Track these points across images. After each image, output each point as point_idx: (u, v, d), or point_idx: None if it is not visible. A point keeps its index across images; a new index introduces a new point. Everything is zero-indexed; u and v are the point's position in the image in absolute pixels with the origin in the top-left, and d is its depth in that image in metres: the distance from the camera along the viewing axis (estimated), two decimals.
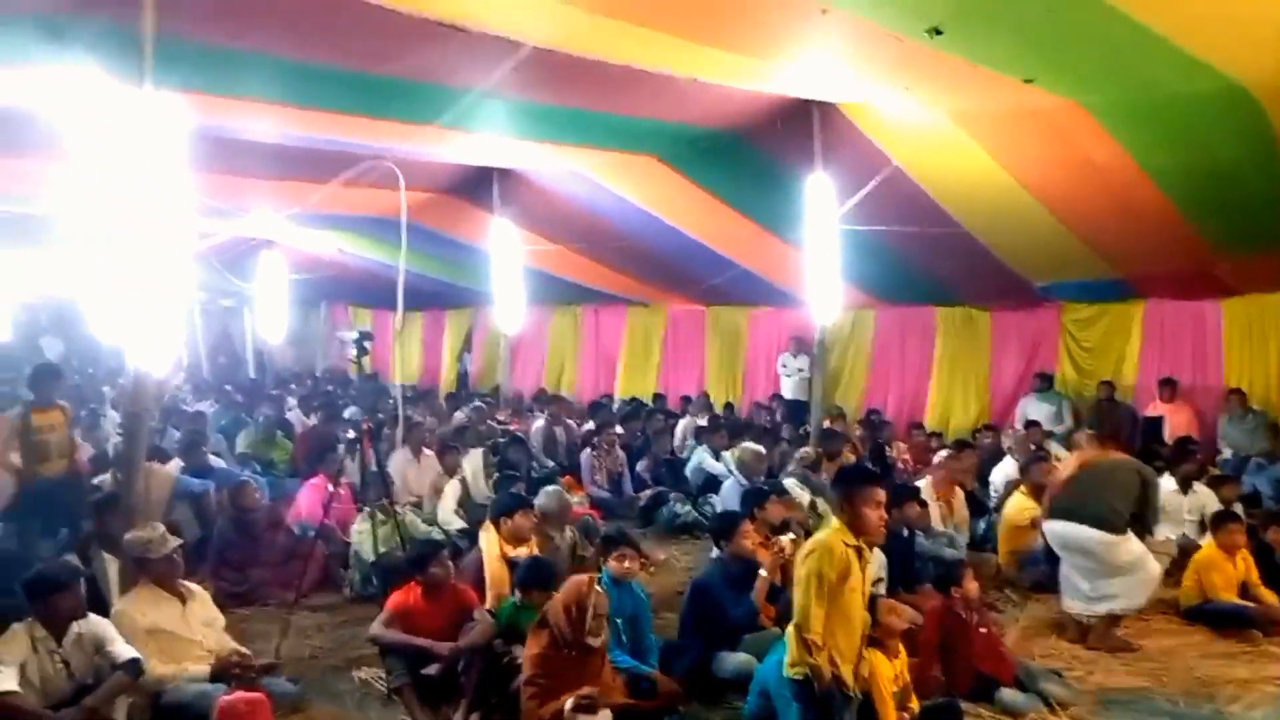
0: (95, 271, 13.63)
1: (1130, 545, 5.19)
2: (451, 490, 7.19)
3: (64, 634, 4.22)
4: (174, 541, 4.63)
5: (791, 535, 5.11)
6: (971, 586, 4.63)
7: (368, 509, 6.02)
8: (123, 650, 4.26)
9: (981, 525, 7.21)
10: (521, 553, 5.27)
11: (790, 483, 6.96)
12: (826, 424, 8.79)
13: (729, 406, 11.80)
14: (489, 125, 7.23)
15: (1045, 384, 9.90)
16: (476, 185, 9.68)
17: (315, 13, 4.84)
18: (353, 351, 5.83)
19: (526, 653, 4.10)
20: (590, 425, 10.16)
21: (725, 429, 9.17)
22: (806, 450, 7.64)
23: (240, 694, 4.06)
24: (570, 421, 10.30)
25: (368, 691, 4.84)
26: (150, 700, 4.37)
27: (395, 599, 4.75)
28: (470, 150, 8.41)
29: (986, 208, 7.62)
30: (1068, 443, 8.63)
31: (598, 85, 6.13)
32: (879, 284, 9.96)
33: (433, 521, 7.00)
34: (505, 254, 9.96)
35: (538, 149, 8.24)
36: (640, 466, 8.95)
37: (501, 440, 8.90)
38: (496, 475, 7.34)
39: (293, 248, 13.13)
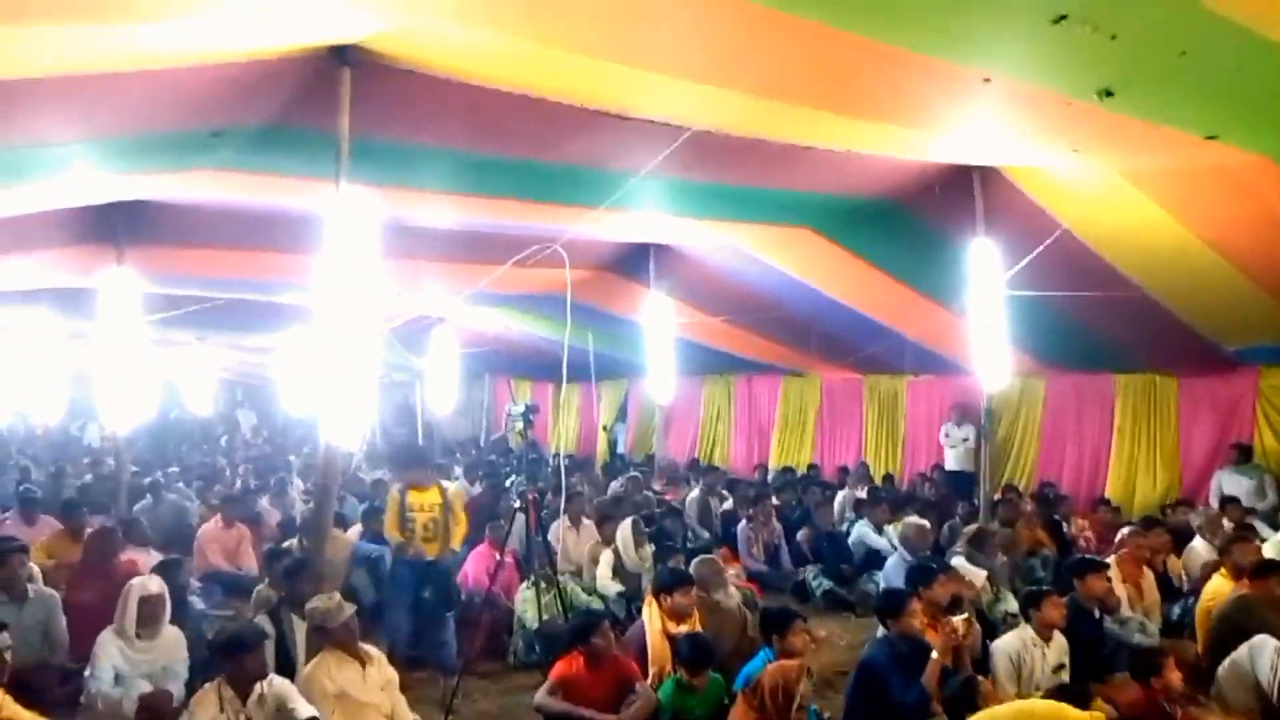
0: (287, 352, 14.92)
1: None
2: (606, 558, 7.29)
3: (249, 694, 4.49)
4: (349, 609, 4.88)
5: (964, 614, 4.87)
6: (1174, 677, 4.26)
7: (532, 577, 6.18)
8: (303, 709, 4.49)
9: (1175, 610, 6.64)
10: (684, 629, 5.26)
11: (958, 561, 6.65)
12: (997, 497, 8.39)
13: (889, 478, 11.46)
14: (648, 204, 7.47)
15: (1243, 456, 9.08)
16: (633, 261, 9.97)
17: (488, 109, 5.18)
18: (519, 424, 6.07)
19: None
20: (729, 504, 10.08)
21: (887, 502, 8.89)
22: (973, 526, 7.28)
23: None
24: (725, 492, 10.25)
25: None
26: None
27: (558, 669, 4.82)
28: (630, 228, 8.70)
29: (1168, 268, 7.18)
30: (1274, 521, 7.87)
31: (755, 162, 6.25)
32: (1049, 350, 9.51)
33: (592, 590, 7.10)
34: (659, 326, 10.16)
35: (694, 225, 8.43)
36: (800, 537, 8.75)
37: (657, 510, 8.96)
38: (650, 545, 7.37)
39: (462, 325, 13.85)
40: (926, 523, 7.35)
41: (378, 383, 16.46)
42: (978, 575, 6.52)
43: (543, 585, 6.15)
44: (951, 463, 11.06)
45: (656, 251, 9.83)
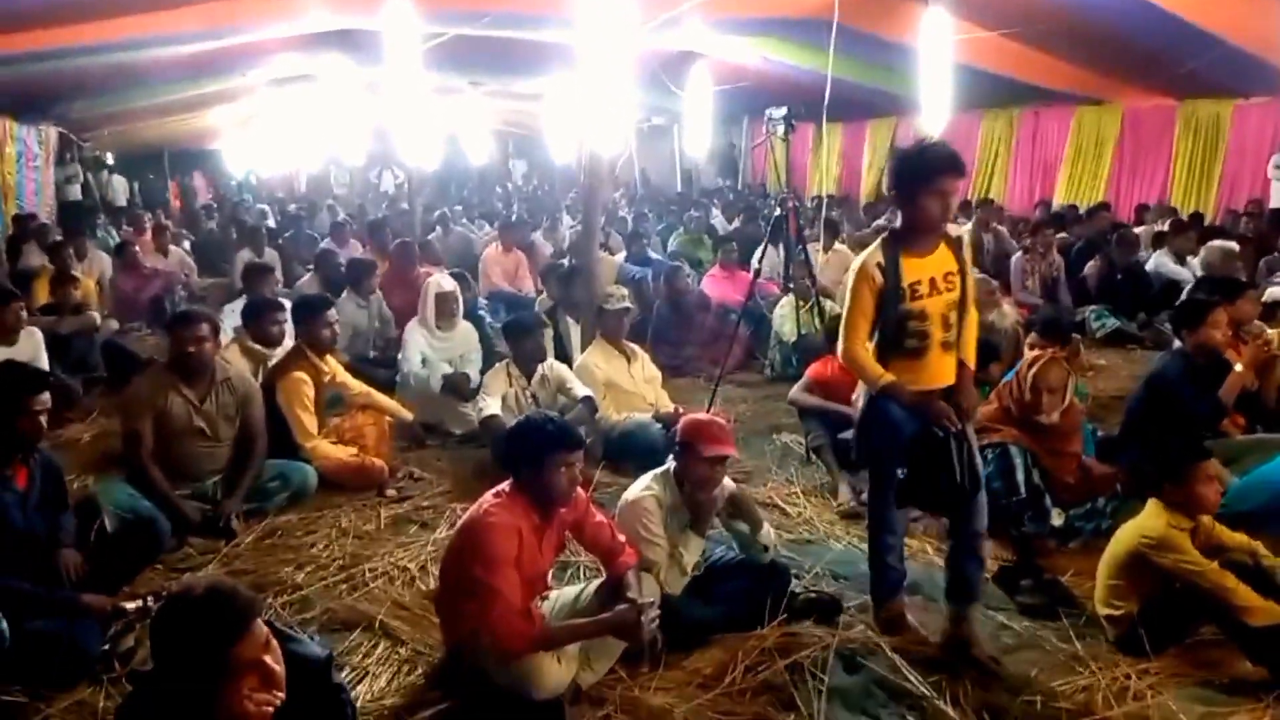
0: (554, 100, 15.25)
1: None
2: None
3: (533, 373, 5.04)
4: (625, 303, 5.24)
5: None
6: None
7: (791, 289, 6.20)
8: (580, 389, 4.98)
9: None
10: None
11: (1277, 290, 5.87)
12: None
13: (1197, 216, 10.11)
14: None
15: None
16: None
17: None
18: (780, 129, 5.87)
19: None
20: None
21: (1194, 231, 7.86)
22: None
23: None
24: (1001, 228, 9.56)
25: (787, 453, 5.15)
26: (602, 436, 5.07)
27: (814, 369, 4.92)
28: None
29: None
30: None
31: None
32: None
33: None
34: (937, 47, 9.17)
35: None
36: (1088, 270, 7.99)
37: None
38: None
39: (716, 60, 13.36)
40: (1234, 245, 6.46)
41: (637, 128, 16.59)
42: None
43: (799, 298, 6.16)
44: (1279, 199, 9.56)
45: None
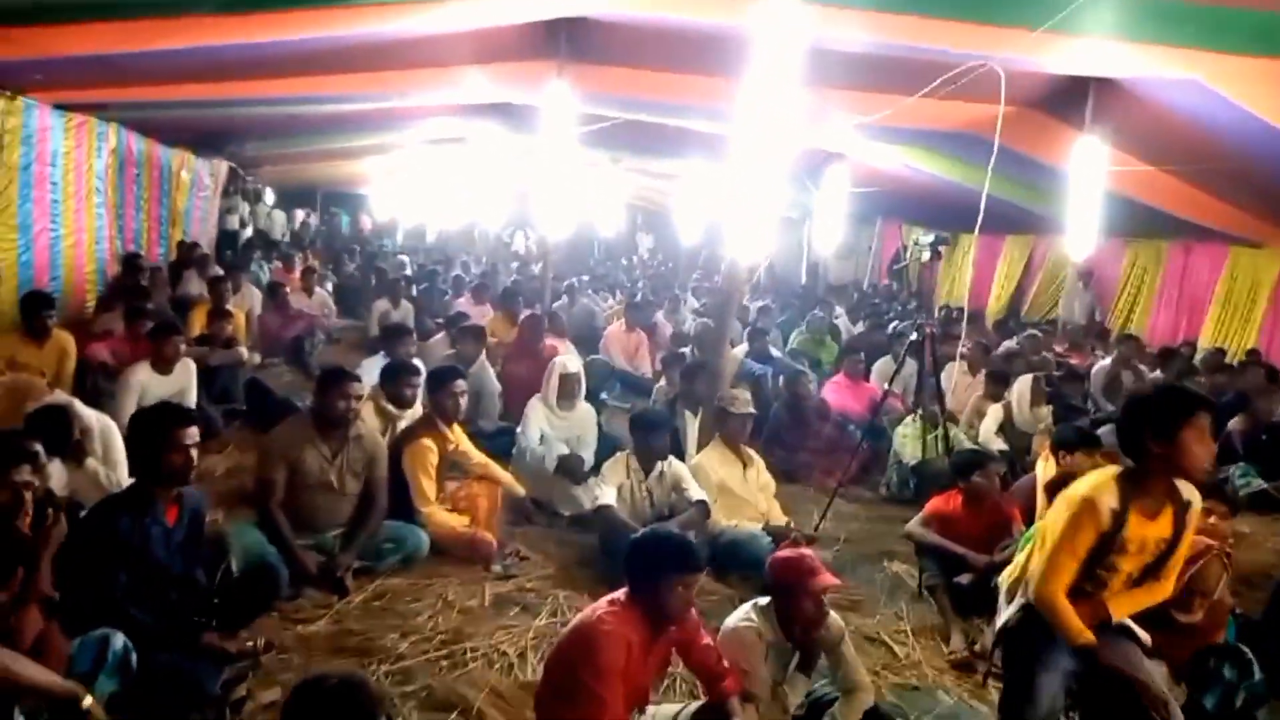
0: (687, 180, 15.59)
1: None
2: (994, 413, 6.97)
3: (652, 469, 5.06)
4: (749, 408, 5.23)
5: None
6: None
7: (918, 413, 6.09)
8: (695, 492, 4.97)
9: None
10: None
11: None
12: None
13: None
14: (1096, 28, 6.51)
15: None
16: (1066, 99, 8.83)
17: None
18: (924, 255, 5.83)
19: None
20: (1158, 373, 8.97)
21: None
22: None
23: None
24: (1142, 366, 9.16)
25: (899, 584, 4.99)
26: (710, 540, 5.03)
27: (935, 503, 4.78)
28: (1070, 58, 7.67)
29: None
30: None
31: None
32: None
33: (974, 440, 6.86)
34: (1089, 175, 8.99)
35: (1151, 54, 7.21)
36: (1232, 426, 7.58)
37: (1056, 374, 8.30)
38: (1048, 406, 6.89)
39: (857, 161, 13.42)
40: None
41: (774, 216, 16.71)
42: None
43: (927, 424, 6.03)
44: None
45: (1097, 88, 8.60)
